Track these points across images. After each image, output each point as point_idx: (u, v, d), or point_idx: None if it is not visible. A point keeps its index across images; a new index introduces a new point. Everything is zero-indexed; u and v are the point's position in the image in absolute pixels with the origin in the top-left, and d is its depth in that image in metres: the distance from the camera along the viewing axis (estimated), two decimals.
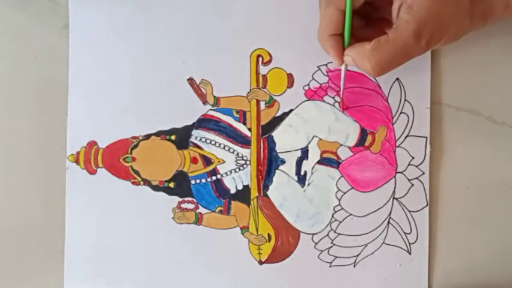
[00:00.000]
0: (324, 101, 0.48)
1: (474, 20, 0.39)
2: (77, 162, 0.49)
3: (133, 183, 0.48)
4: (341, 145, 0.48)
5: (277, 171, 0.48)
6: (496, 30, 0.48)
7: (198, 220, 0.48)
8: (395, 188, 0.48)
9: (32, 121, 0.49)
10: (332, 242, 0.48)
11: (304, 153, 0.48)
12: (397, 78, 0.48)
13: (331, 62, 0.48)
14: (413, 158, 0.48)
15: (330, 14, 0.41)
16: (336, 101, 0.48)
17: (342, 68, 0.44)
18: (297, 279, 0.48)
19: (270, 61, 0.49)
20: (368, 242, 0.48)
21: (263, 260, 0.48)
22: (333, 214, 0.48)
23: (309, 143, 0.48)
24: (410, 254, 0.48)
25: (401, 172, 0.48)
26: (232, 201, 0.48)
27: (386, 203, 0.48)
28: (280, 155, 0.48)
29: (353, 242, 0.48)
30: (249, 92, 0.49)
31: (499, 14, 0.40)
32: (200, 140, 0.49)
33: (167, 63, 0.49)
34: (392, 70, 0.41)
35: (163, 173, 0.48)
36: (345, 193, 0.48)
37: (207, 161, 0.49)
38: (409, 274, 0.48)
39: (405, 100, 0.48)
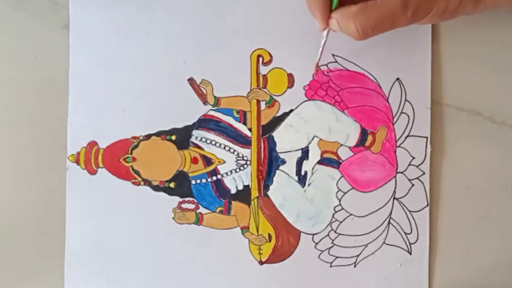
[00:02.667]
0: (324, 101, 0.48)
1: (464, 1, 0.40)
2: (77, 162, 0.48)
3: (134, 183, 0.48)
4: (342, 145, 0.48)
5: (277, 171, 0.48)
6: (496, 31, 0.48)
7: (199, 220, 0.48)
8: (395, 188, 0.48)
9: (33, 121, 0.49)
10: (332, 242, 0.48)
11: (305, 153, 0.48)
12: (398, 78, 0.48)
13: (332, 62, 0.48)
14: (413, 158, 0.48)
15: None
16: (336, 101, 0.48)
17: (325, 33, 0.44)
18: (298, 280, 0.48)
19: (270, 61, 0.49)
20: (368, 242, 0.48)
21: (263, 260, 0.48)
22: (333, 214, 0.48)
23: (310, 143, 0.48)
24: (410, 254, 0.48)
25: (402, 172, 0.48)
26: (232, 202, 0.48)
27: (386, 203, 0.48)
28: (281, 155, 0.48)
29: (353, 242, 0.48)
30: (249, 92, 0.49)
31: (490, 1, 0.40)
32: (200, 140, 0.48)
33: (167, 63, 0.49)
34: (375, 35, 0.41)
35: (164, 173, 0.48)
36: (345, 193, 0.48)
37: (208, 161, 0.49)
38: (410, 274, 0.48)
39: (405, 100, 0.48)
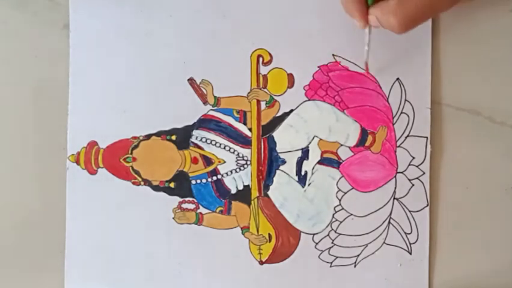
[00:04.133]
0: (324, 101, 0.48)
1: None
2: (77, 162, 0.48)
3: (134, 183, 0.48)
4: (342, 145, 0.48)
5: (277, 171, 0.48)
6: (496, 31, 0.48)
7: (199, 220, 0.48)
8: (395, 188, 0.48)
9: (33, 121, 0.49)
10: (332, 242, 0.48)
11: (305, 153, 0.48)
12: (397, 78, 0.48)
13: (332, 62, 0.48)
14: (413, 158, 0.48)
15: None
16: (336, 101, 0.48)
17: (366, 31, 0.44)
18: (298, 280, 0.48)
19: (270, 61, 0.49)
20: (368, 242, 0.48)
21: (264, 260, 0.48)
22: (333, 214, 0.48)
23: (310, 143, 0.48)
24: (410, 254, 0.48)
25: (402, 172, 0.48)
26: (232, 201, 0.48)
27: (386, 203, 0.48)
28: (281, 155, 0.48)
29: (353, 242, 0.48)
30: (249, 92, 0.49)
31: None
32: (200, 140, 0.48)
33: (167, 63, 0.49)
34: (416, 26, 0.40)
35: (164, 173, 0.48)
36: (345, 193, 0.48)
37: (208, 161, 0.49)
38: (410, 274, 0.48)
39: (405, 100, 0.48)
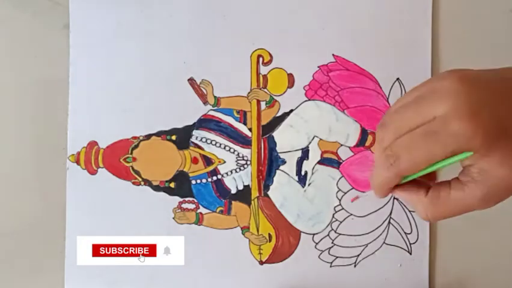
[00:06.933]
0: (324, 101, 0.48)
1: None
2: (77, 162, 0.48)
3: (134, 183, 0.48)
4: (342, 145, 0.48)
5: (277, 171, 0.48)
6: (496, 31, 0.48)
7: (199, 220, 0.48)
8: None
9: (33, 121, 0.49)
10: (332, 242, 0.48)
11: (305, 153, 0.48)
12: (397, 78, 0.48)
13: (331, 62, 0.48)
14: None
15: (390, 178, 0.36)
16: (336, 101, 0.48)
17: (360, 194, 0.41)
18: (298, 279, 0.48)
19: (270, 61, 0.49)
20: (368, 242, 0.48)
21: (264, 260, 0.48)
22: (333, 214, 0.48)
23: (310, 143, 0.48)
24: (410, 254, 0.48)
25: None
26: (232, 201, 0.48)
27: (386, 203, 0.48)
28: (281, 155, 0.48)
29: (353, 242, 0.48)
30: (249, 92, 0.49)
31: None
32: (201, 140, 0.48)
33: (167, 63, 0.49)
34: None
35: (164, 173, 0.48)
36: (345, 193, 0.48)
37: (208, 161, 0.48)
38: (410, 274, 0.48)
39: None
